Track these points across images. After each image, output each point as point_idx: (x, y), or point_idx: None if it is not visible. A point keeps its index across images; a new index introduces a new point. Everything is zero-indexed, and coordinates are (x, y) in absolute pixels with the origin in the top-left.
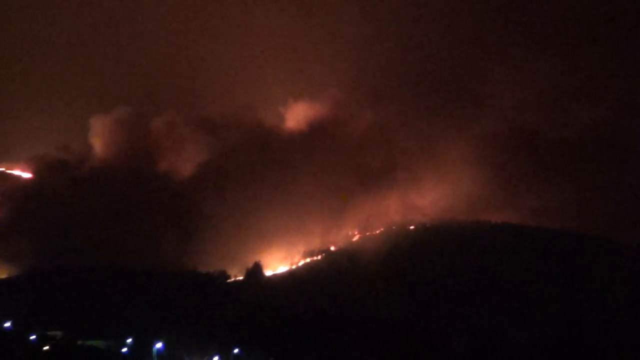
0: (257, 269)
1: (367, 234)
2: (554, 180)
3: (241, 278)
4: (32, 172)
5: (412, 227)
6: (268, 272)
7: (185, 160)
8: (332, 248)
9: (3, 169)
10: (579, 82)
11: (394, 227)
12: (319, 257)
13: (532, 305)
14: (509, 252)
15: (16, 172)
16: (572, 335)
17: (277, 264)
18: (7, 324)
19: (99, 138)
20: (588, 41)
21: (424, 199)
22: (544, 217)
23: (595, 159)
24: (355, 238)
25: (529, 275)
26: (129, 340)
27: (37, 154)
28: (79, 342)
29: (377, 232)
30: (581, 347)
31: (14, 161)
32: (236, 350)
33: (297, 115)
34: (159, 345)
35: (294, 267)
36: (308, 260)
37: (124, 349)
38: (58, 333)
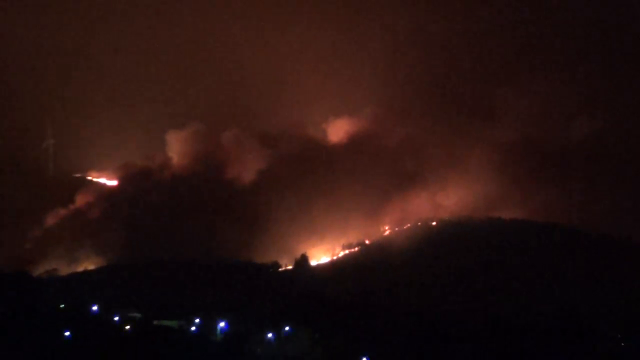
0: (304, 259)
1: (397, 229)
2: (557, 182)
3: (290, 267)
4: (118, 179)
5: (434, 223)
6: (313, 262)
7: (247, 168)
8: (367, 241)
9: (92, 178)
10: (578, 99)
11: (419, 223)
12: (356, 249)
13: (538, 290)
14: (517, 244)
15: (103, 180)
16: (574, 320)
17: (320, 255)
18: (95, 307)
19: (176, 149)
20: (587, 62)
21: (444, 199)
22: (548, 214)
23: (593, 163)
24: (387, 233)
25: (535, 264)
26: (197, 320)
27: (125, 163)
28: (155, 322)
29: (405, 227)
30: (582, 331)
31: (101, 170)
32: (287, 328)
33: (338, 130)
34: (222, 324)
35: (334, 258)
36: (347, 252)
37: (193, 328)
38: (137, 314)
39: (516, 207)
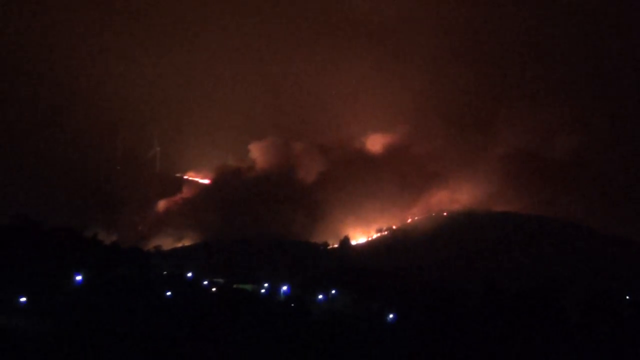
0: (346, 240)
1: (417, 218)
2: (545, 184)
3: (336, 246)
4: (210, 178)
5: (445, 214)
6: (353, 242)
7: (308, 171)
8: (394, 227)
9: (189, 177)
10: (563, 120)
11: (433, 214)
12: (386, 232)
13: (526, 265)
14: (511, 231)
15: (198, 179)
16: (550, 288)
17: (359, 237)
18: (189, 274)
19: (257, 155)
20: (572, 90)
21: (454, 195)
22: (536, 208)
23: (576, 170)
24: (409, 220)
25: (524, 246)
26: (266, 285)
27: (218, 166)
28: (234, 286)
29: (423, 217)
30: (556, 296)
31: (197, 171)
32: (333, 291)
33: (375, 142)
34: (284, 288)
35: (369, 239)
36: (379, 234)
37: (262, 290)
38: (221, 280)
39: (511, 202)
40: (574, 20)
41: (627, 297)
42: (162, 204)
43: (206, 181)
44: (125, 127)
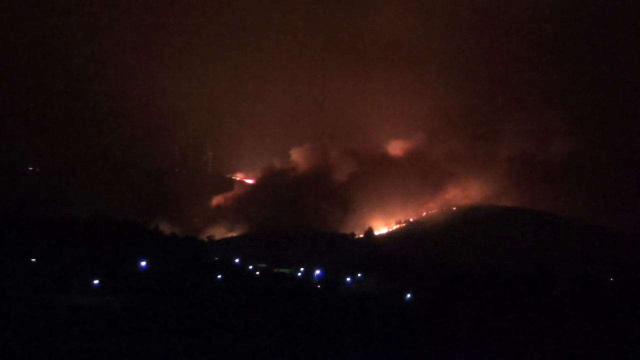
0: (370, 231)
1: (431, 211)
2: (542, 183)
3: (362, 236)
4: (255, 179)
5: (454, 208)
6: (376, 233)
7: (341, 171)
8: (411, 219)
9: (237, 177)
10: (560, 126)
11: (444, 208)
12: (404, 224)
13: (522, 250)
14: (511, 222)
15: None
16: (543, 269)
17: (381, 228)
18: (237, 260)
19: (297, 159)
20: (566, 100)
21: (464, 192)
22: (534, 204)
23: (570, 170)
24: (424, 214)
25: (521, 235)
26: (302, 269)
27: (263, 167)
28: (275, 270)
29: (435, 211)
30: (547, 277)
31: (244, 172)
32: (359, 275)
33: (396, 147)
34: (318, 272)
35: (390, 230)
36: (398, 226)
37: (299, 274)
38: (264, 265)
39: (513, 198)
40: (569, 38)
41: (611, 279)
42: (214, 201)
43: (251, 181)
44: (183, 134)
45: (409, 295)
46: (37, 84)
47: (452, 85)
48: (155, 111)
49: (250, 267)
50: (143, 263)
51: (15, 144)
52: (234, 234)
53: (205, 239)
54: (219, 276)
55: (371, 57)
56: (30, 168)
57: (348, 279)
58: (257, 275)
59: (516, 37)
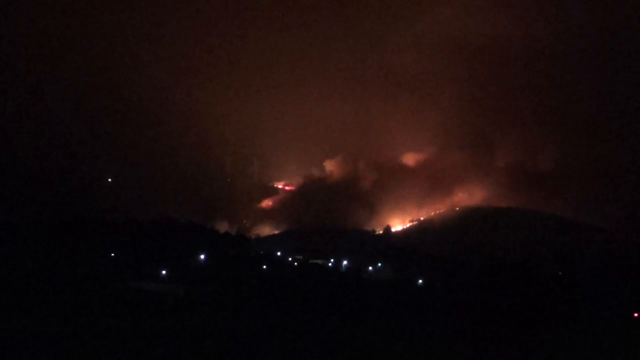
0: (388, 228)
1: (438, 211)
2: (533, 186)
3: (381, 232)
4: (294, 186)
5: (457, 209)
6: (393, 229)
7: (366, 178)
8: (422, 218)
9: (278, 185)
10: (546, 139)
11: (450, 208)
12: (416, 222)
13: (516, 244)
14: (507, 220)
15: (284, 186)
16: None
17: (397, 225)
18: (278, 253)
19: (330, 169)
20: (551, 118)
21: (466, 195)
22: (526, 204)
23: (555, 176)
24: (432, 213)
25: (517, 230)
26: (332, 260)
27: (303, 175)
28: (310, 261)
29: (442, 210)
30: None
31: (284, 180)
32: (379, 265)
33: (410, 158)
34: (345, 262)
35: (405, 227)
36: (411, 224)
37: (330, 264)
38: (300, 257)
39: (508, 200)
40: (554, 68)
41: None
42: (261, 204)
43: (290, 188)
44: (235, 149)
45: (420, 281)
46: (106, 104)
47: (457, 106)
48: (212, 131)
49: (290, 259)
50: (202, 256)
51: (97, 158)
52: (276, 232)
53: (253, 237)
54: (264, 266)
55: (392, 84)
56: (110, 179)
57: (370, 268)
58: (295, 265)
59: (511, 68)
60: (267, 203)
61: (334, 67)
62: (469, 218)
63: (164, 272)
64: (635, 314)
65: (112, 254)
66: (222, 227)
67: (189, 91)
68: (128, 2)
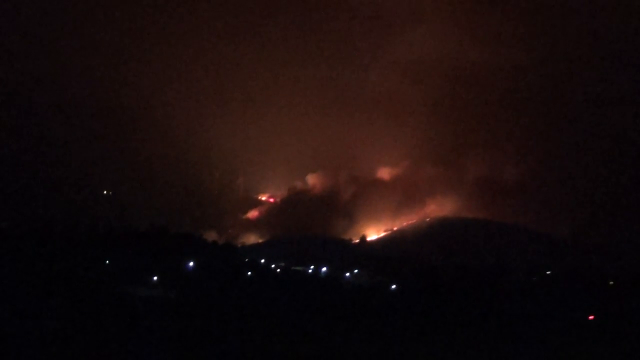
0: (364, 237)
1: (410, 222)
2: (500, 199)
3: (358, 241)
4: (277, 199)
5: (428, 219)
6: (369, 239)
7: (345, 191)
8: (395, 228)
9: (262, 197)
10: (512, 155)
11: (422, 219)
12: (390, 232)
13: (485, 252)
14: (475, 230)
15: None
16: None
17: (372, 235)
18: (262, 260)
19: (312, 182)
20: (516, 135)
21: (436, 206)
22: (493, 215)
23: (521, 189)
24: (405, 224)
25: (484, 239)
26: (312, 266)
27: (288, 188)
28: (292, 267)
29: (414, 221)
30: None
31: (267, 193)
32: (356, 271)
33: (385, 172)
34: (324, 269)
35: (379, 236)
36: (385, 233)
37: (310, 270)
38: (283, 264)
39: (476, 212)
40: (516, 95)
41: (548, 272)
42: (246, 215)
43: (272, 200)
44: (222, 164)
45: (393, 287)
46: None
47: (429, 125)
48: (201, 147)
49: (273, 265)
50: (191, 264)
51: (93, 172)
52: (260, 241)
53: (239, 245)
54: (249, 273)
55: (368, 104)
56: (105, 192)
57: (347, 274)
58: (277, 271)
59: (479, 90)
60: (252, 214)
61: (316, 88)
62: (439, 228)
63: (155, 278)
64: (591, 317)
65: (107, 261)
66: (211, 236)
67: (181, 111)
68: (119, 29)
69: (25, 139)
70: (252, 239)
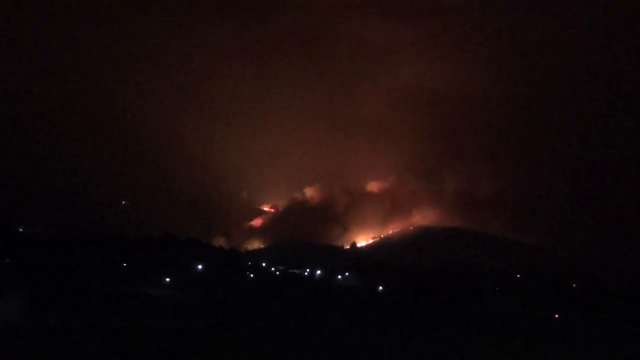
0: (354, 243)
1: (396, 230)
2: (475, 210)
3: (348, 247)
4: (277, 209)
5: (412, 228)
6: (358, 245)
7: (338, 204)
8: (382, 235)
9: (264, 207)
10: (487, 171)
11: (406, 228)
12: (377, 239)
13: (460, 257)
14: (452, 237)
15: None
16: (474, 270)
17: (362, 241)
18: (263, 264)
19: (310, 195)
20: (491, 152)
21: (419, 216)
22: (469, 225)
23: (495, 201)
24: (391, 231)
25: (460, 246)
26: (307, 269)
27: (288, 199)
28: (289, 270)
29: (399, 229)
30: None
31: (269, 204)
32: (347, 274)
33: (375, 186)
34: (318, 272)
35: (367, 242)
36: (373, 240)
37: (305, 273)
38: (281, 267)
39: (454, 221)
40: (491, 118)
41: (518, 275)
42: (249, 223)
43: (272, 210)
44: (228, 178)
45: (380, 288)
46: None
47: (413, 144)
48: (211, 164)
49: (272, 268)
50: (200, 266)
51: (115, 185)
52: (262, 246)
53: (243, 250)
54: (251, 275)
55: (360, 126)
56: (123, 202)
57: (339, 276)
58: (276, 274)
59: (457, 114)
60: (255, 222)
61: (313, 112)
62: (422, 235)
63: (167, 279)
64: (556, 315)
65: (124, 264)
66: (218, 242)
67: (194, 133)
68: (137, 56)
69: (55, 156)
70: (255, 244)
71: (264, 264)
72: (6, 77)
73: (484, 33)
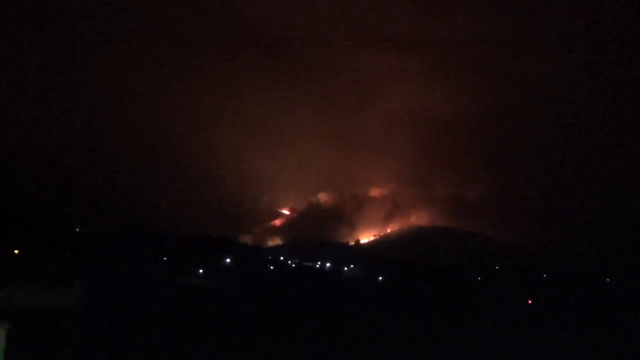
0: (358, 240)
1: (394, 229)
2: (464, 212)
3: (353, 243)
4: (294, 212)
5: (408, 227)
6: (362, 241)
7: (348, 206)
8: (382, 234)
9: (281, 210)
10: (473, 176)
11: (403, 227)
12: (378, 237)
13: (450, 252)
14: (444, 235)
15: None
16: (461, 264)
17: (364, 238)
18: (281, 258)
19: (322, 199)
20: (476, 164)
21: (414, 217)
22: (459, 225)
23: (479, 204)
24: (389, 230)
25: (451, 243)
26: (319, 262)
27: (303, 204)
28: (303, 264)
29: (397, 228)
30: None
31: (284, 207)
32: (352, 266)
33: (376, 191)
34: (328, 264)
35: (369, 240)
36: (374, 237)
37: (317, 266)
38: (297, 260)
39: (444, 221)
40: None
41: (497, 268)
42: (271, 223)
43: (291, 212)
44: (252, 184)
45: (380, 278)
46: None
47: (410, 155)
48: (237, 173)
49: (289, 262)
50: (228, 260)
51: (154, 189)
52: (281, 243)
53: (264, 246)
54: (271, 267)
55: (364, 140)
56: (164, 205)
57: (345, 268)
58: (292, 266)
59: (447, 130)
60: (276, 222)
61: (325, 130)
62: (417, 233)
63: (201, 270)
64: (530, 301)
65: (165, 258)
66: (244, 239)
67: (225, 146)
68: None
69: (108, 167)
70: (275, 241)
71: (282, 258)
72: (78, 96)
73: (464, 65)
